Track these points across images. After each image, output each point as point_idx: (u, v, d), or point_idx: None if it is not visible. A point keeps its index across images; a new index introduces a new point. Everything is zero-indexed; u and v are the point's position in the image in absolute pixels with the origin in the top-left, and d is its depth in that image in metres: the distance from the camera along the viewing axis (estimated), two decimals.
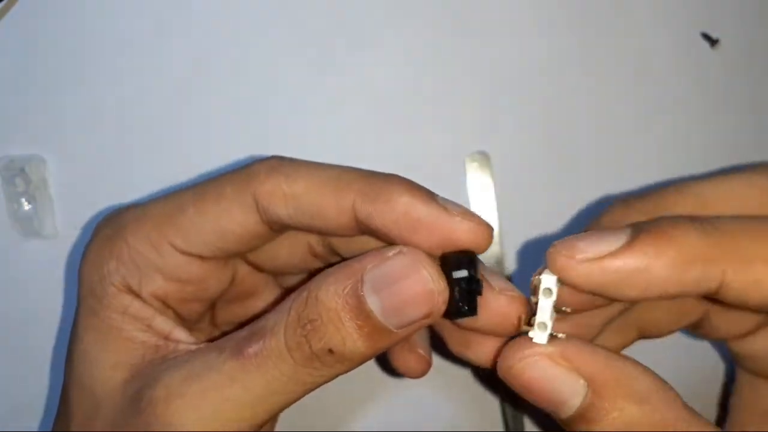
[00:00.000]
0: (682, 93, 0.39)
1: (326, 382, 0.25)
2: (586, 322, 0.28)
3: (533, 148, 0.39)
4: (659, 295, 0.23)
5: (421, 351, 0.30)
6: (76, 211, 0.37)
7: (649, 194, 0.26)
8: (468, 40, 0.38)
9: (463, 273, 0.24)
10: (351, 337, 0.24)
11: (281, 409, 0.25)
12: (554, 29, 0.39)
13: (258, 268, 0.30)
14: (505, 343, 0.24)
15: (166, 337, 0.27)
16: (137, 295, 0.27)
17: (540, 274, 0.23)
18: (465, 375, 0.38)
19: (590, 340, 0.29)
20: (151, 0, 0.37)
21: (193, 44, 0.38)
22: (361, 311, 0.23)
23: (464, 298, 0.24)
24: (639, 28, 0.39)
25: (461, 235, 0.24)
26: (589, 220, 0.29)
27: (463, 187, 0.38)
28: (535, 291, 0.24)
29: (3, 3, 0.37)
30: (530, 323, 0.24)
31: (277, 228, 0.27)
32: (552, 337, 0.23)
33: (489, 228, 0.25)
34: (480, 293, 0.24)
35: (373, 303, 0.23)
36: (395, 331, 0.24)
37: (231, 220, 0.26)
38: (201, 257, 0.27)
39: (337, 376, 0.25)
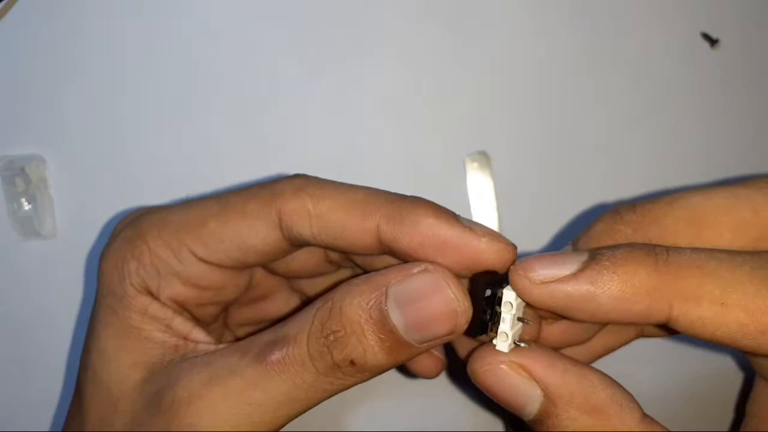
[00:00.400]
0: (682, 93, 0.39)
1: (344, 390, 0.25)
2: (580, 324, 0.29)
3: (533, 148, 0.39)
4: (607, 321, 0.24)
5: (436, 353, 0.31)
6: (76, 211, 0.37)
7: (641, 205, 0.26)
8: (468, 41, 0.38)
9: (488, 293, 0.25)
10: (372, 350, 0.24)
11: (298, 415, 0.25)
12: (554, 30, 0.39)
13: (273, 272, 0.30)
14: (474, 350, 0.25)
15: (186, 337, 0.27)
16: (156, 297, 0.27)
17: (503, 287, 0.25)
18: (465, 375, 0.38)
19: (587, 339, 0.29)
20: (152, 0, 0.37)
21: (193, 44, 0.38)
22: (384, 325, 0.24)
23: (490, 316, 0.25)
24: (639, 28, 0.39)
25: (488, 256, 0.25)
26: (588, 221, 0.29)
27: (463, 187, 0.38)
28: (498, 302, 0.25)
29: (3, 3, 0.37)
30: (495, 332, 0.25)
31: (297, 244, 0.27)
32: (516, 346, 0.24)
33: (513, 248, 0.25)
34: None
35: (396, 318, 0.24)
36: (416, 345, 0.24)
37: (253, 235, 0.27)
38: (221, 266, 0.27)
39: (355, 384, 0.25)
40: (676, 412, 0.38)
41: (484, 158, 0.38)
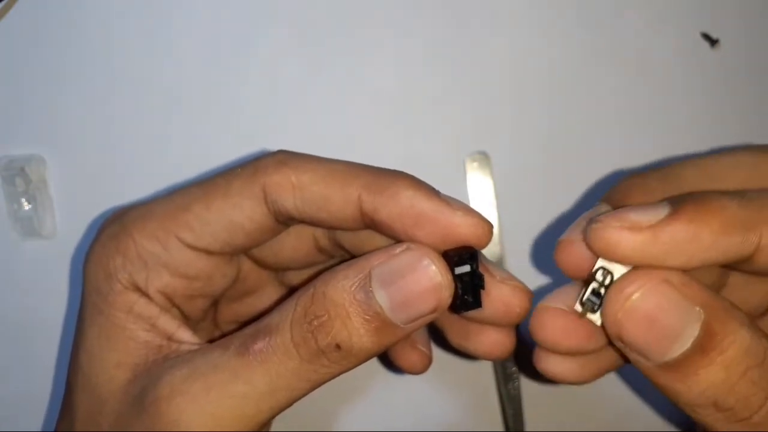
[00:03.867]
0: (682, 93, 0.39)
1: (330, 379, 0.25)
2: None
3: (533, 148, 0.39)
4: (702, 263, 0.23)
5: (421, 347, 0.30)
6: (76, 211, 0.37)
7: (660, 168, 0.27)
8: (468, 40, 0.38)
9: (465, 268, 0.25)
10: (358, 333, 0.24)
11: (284, 407, 0.25)
12: (554, 29, 0.39)
13: (262, 263, 0.30)
14: (626, 274, 0.24)
15: (170, 338, 0.27)
16: (143, 293, 0.27)
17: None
18: (465, 375, 0.38)
19: (594, 350, 0.28)
20: (152, 0, 0.37)
21: (193, 44, 0.38)
22: (369, 306, 0.24)
23: (469, 291, 0.25)
24: (639, 28, 0.39)
25: (463, 230, 0.25)
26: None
27: (463, 187, 0.38)
28: (589, 279, 0.24)
29: (3, 3, 0.37)
30: (583, 305, 0.24)
31: (283, 220, 0.27)
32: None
33: (489, 224, 0.25)
34: (483, 287, 0.25)
35: (381, 298, 0.24)
36: (402, 326, 0.24)
37: (239, 213, 0.27)
38: (208, 252, 0.27)
39: (341, 373, 0.25)
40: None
41: (484, 158, 0.38)
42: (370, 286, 0.24)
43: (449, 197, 0.26)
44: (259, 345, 0.24)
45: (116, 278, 0.27)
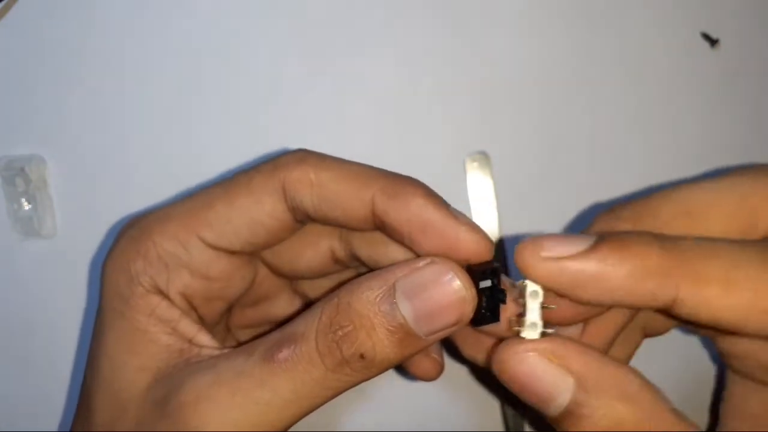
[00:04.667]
0: (682, 93, 0.39)
1: (352, 387, 0.25)
2: (598, 333, 0.29)
3: (533, 148, 0.39)
4: (613, 303, 0.24)
5: (434, 355, 0.31)
6: (76, 211, 0.37)
7: (634, 202, 0.27)
8: (468, 40, 0.38)
9: (487, 282, 0.25)
10: (382, 343, 0.24)
11: (306, 414, 0.25)
12: (554, 29, 0.39)
13: (278, 271, 0.30)
14: (498, 342, 0.25)
15: (190, 341, 0.27)
16: (164, 295, 0.27)
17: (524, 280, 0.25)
18: (465, 375, 0.38)
19: (604, 352, 0.29)
20: (152, 0, 0.37)
21: (193, 44, 0.38)
22: (393, 318, 0.24)
23: (488, 305, 0.25)
24: (639, 28, 0.39)
25: (464, 244, 0.25)
26: (588, 221, 0.30)
27: (463, 187, 0.38)
28: (521, 294, 0.25)
29: (3, 3, 0.37)
30: (520, 324, 0.25)
31: (300, 218, 0.28)
32: (543, 334, 0.24)
33: (490, 243, 0.26)
34: (504, 302, 0.26)
35: (405, 310, 0.24)
36: (424, 337, 0.25)
37: (260, 209, 0.27)
38: (228, 251, 0.28)
39: (362, 381, 0.25)
40: None
41: (484, 158, 0.38)
42: (395, 299, 0.24)
43: (457, 211, 0.26)
44: (285, 353, 0.24)
45: (137, 281, 0.27)
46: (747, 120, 0.40)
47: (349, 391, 0.25)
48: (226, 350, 0.26)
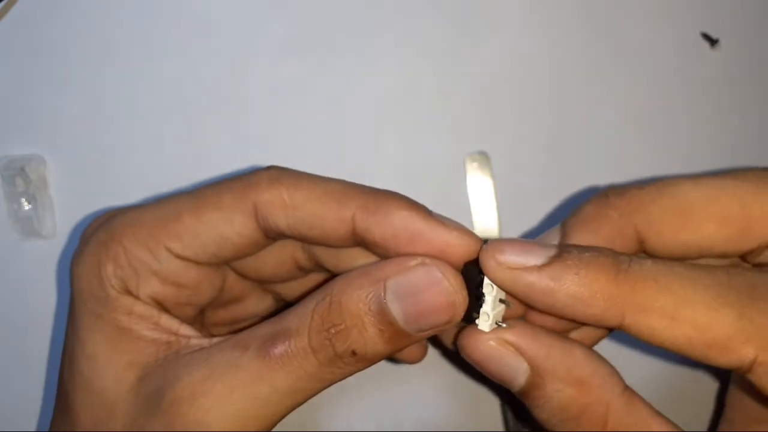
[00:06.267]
0: (682, 93, 0.39)
1: (342, 379, 0.26)
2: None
3: (533, 148, 0.39)
4: (561, 317, 0.25)
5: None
6: (76, 211, 0.37)
7: (630, 190, 0.27)
8: (468, 40, 0.38)
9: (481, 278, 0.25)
10: (373, 341, 0.25)
11: (300, 405, 0.26)
12: (554, 29, 0.39)
13: (245, 276, 0.31)
14: (463, 328, 0.26)
15: (176, 333, 0.27)
16: (137, 297, 0.27)
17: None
18: (465, 375, 0.38)
19: (570, 330, 0.29)
20: (152, 0, 0.37)
21: (193, 44, 0.38)
22: (384, 317, 0.25)
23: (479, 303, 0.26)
24: (639, 28, 0.39)
25: (456, 249, 0.26)
26: (580, 203, 0.30)
27: (463, 187, 0.38)
28: (480, 285, 0.25)
29: (3, 3, 0.37)
30: (478, 313, 0.26)
31: (273, 236, 0.28)
32: (497, 326, 0.25)
33: (481, 243, 0.26)
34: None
35: (395, 310, 0.25)
36: (414, 334, 0.25)
37: (229, 227, 0.27)
38: (196, 262, 0.28)
39: (353, 373, 0.26)
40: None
41: (484, 158, 0.38)
42: (385, 298, 0.24)
43: (442, 217, 0.26)
44: (280, 348, 0.25)
45: (110, 284, 0.27)
46: (747, 120, 0.40)
47: (348, 390, 0.25)
48: (216, 340, 0.26)
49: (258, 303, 0.32)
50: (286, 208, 0.26)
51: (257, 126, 0.38)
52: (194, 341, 0.26)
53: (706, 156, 0.39)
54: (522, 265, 0.24)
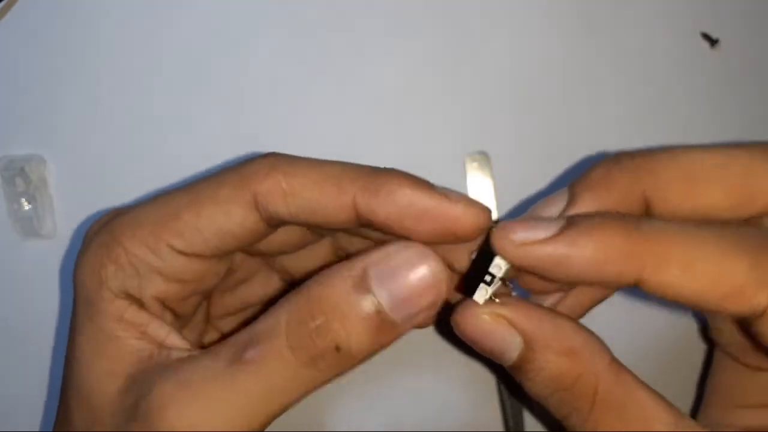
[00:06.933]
0: (682, 93, 0.39)
1: (327, 382, 0.25)
2: (576, 301, 0.30)
3: (533, 148, 0.39)
4: (580, 283, 0.25)
5: None
6: (76, 211, 0.37)
7: (640, 155, 0.27)
8: (468, 40, 0.38)
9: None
10: (357, 333, 0.24)
11: (280, 413, 0.25)
12: (554, 29, 0.39)
13: (252, 253, 0.30)
14: (458, 303, 0.26)
15: (161, 344, 0.26)
16: (135, 300, 0.27)
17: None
18: (466, 375, 0.38)
19: (563, 296, 0.30)
20: (152, 1, 0.37)
21: (193, 44, 0.38)
22: (369, 305, 0.24)
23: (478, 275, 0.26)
24: (639, 28, 0.39)
25: (464, 221, 0.25)
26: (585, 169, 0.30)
27: (463, 187, 0.38)
28: (487, 264, 0.26)
29: (3, 3, 0.37)
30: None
31: (275, 224, 0.27)
32: (491, 301, 0.26)
33: (489, 212, 0.26)
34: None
35: (380, 296, 0.24)
36: (400, 324, 0.25)
37: (230, 220, 0.26)
38: (200, 256, 0.27)
39: (338, 375, 0.25)
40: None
41: (484, 158, 0.38)
42: (369, 285, 0.24)
43: (445, 189, 0.26)
44: (252, 353, 0.24)
45: (107, 287, 0.26)
46: (747, 120, 0.40)
47: (348, 389, 0.25)
48: (195, 352, 0.26)
49: (265, 284, 0.32)
50: (285, 196, 0.26)
51: (257, 126, 0.38)
52: (175, 353, 0.26)
53: None
54: (536, 239, 0.24)
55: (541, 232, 0.24)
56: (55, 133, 0.37)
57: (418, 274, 0.24)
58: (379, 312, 0.24)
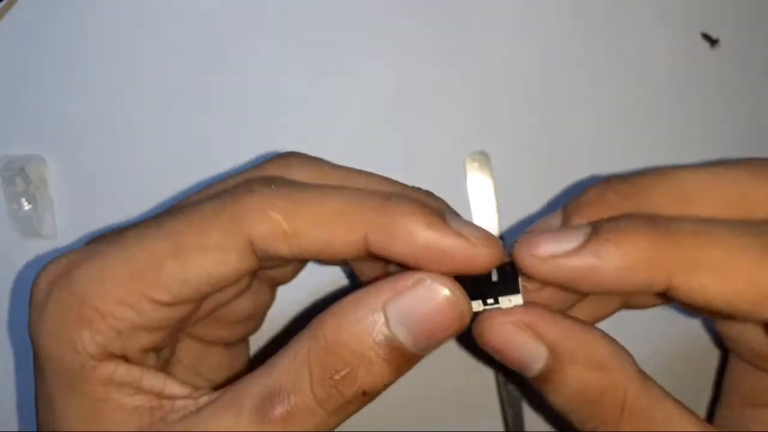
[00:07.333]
0: (682, 93, 0.39)
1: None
2: (593, 308, 0.29)
3: (533, 148, 0.39)
4: (611, 292, 0.25)
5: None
6: (76, 211, 0.37)
7: (631, 177, 0.27)
8: (468, 40, 0.38)
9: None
10: (382, 375, 0.23)
11: None
12: (554, 29, 0.39)
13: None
14: (478, 313, 0.25)
15: (159, 395, 0.24)
16: (120, 357, 0.25)
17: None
18: (466, 375, 0.38)
19: (569, 307, 0.29)
20: (152, 1, 0.37)
21: (194, 45, 0.38)
22: (391, 347, 0.23)
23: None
24: (639, 28, 0.39)
25: (481, 260, 0.24)
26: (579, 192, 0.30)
27: (463, 187, 0.38)
28: (513, 280, 0.25)
29: (3, 3, 0.37)
30: (490, 302, 0.25)
31: (276, 263, 0.26)
32: (517, 306, 0.25)
33: (501, 249, 0.25)
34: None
35: (402, 336, 0.23)
36: (422, 354, 0.24)
37: (222, 267, 0.24)
38: (188, 302, 0.25)
39: (361, 408, 0.24)
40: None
41: (484, 158, 0.38)
42: (389, 326, 0.23)
43: (461, 222, 0.25)
44: (280, 410, 0.23)
45: (87, 353, 0.24)
46: (747, 120, 0.40)
47: None
48: (203, 400, 0.24)
49: (236, 288, 0.29)
50: (287, 238, 0.24)
51: (258, 127, 0.38)
52: (180, 403, 0.24)
53: (706, 156, 0.39)
54: (561, 252, 0.23)
55: (566, 244, 0.24)
56: (55, 133, 0.37)
57: (440, 309, 0.24)
58: (402, 350, 0.23)
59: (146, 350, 0.25)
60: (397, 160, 0.38)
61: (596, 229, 0.24)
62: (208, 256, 0.24)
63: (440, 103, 0.38)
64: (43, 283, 0.25)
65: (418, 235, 0.24)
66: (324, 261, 0.26)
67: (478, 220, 0.38)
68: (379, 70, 0.38)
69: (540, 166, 0.39)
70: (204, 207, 0.25)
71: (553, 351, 0.24)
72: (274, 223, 0.24)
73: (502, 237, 0.38)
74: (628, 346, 0.25)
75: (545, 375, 0.25)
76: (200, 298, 0.25)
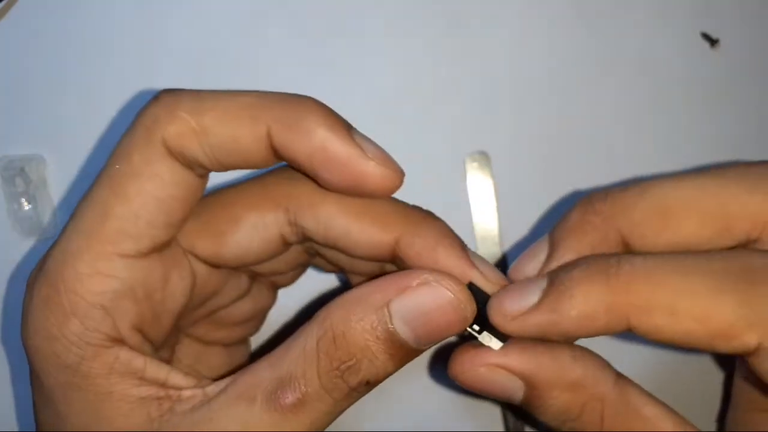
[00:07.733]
0: (682, 93, 0.39)
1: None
2: None
3: (533, 148, 0.39)
4: (576, 339, 0.25)
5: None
6: None
7: (612, 194, 0.27)
8: (468, 40, 0.38)
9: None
10: (384, 366, 0.24)
11: None
12: (554, 29, 0.39)
13: (217, 265, 0.28)
14: (455, 350, 0.26)
15: (164, 385, 0.24)
16: (117, 341, 0.24)
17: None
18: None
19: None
20: (152, 1, 0.37)
21: (193, 44, 0.38)
22: (393, 343, 0.24)
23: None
24: (639, 28, 0.39)
25: (373, 179, 0.25)
26: (568, 207, 0.30)
27: (463, 187, 0.38)
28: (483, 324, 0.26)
29: (3, 3, 0.37)
30: (476, 329, 0.26)
31: (201, 173, 0.25)
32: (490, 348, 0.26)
33: (400, 175, 0.25)
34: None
35: (405, 334, 0.24)
36: (424, 348, 0.25)
37: (161, 184, 0.24)
38: (154, 249, 0.25)
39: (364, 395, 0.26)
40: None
41: (484, 158, 0.38)
42: (392, 324, 0.24)
43: (364, 139, 0.25)
44: (292, 398, 0.24)
45: (81, 344, 0.24)
46: (747, 120, 0.40)
47: None
48: (210, 389, 0.24)
49: (234, 290, 0.30)
50: (197, 135, 0.24)
51: None
52: (187, 393, 0.24)
53: (706, 156, 0.39)
54: (523, 309, 0.24)
55: (527, 300, 0.25)
56: (55, 133, 0.37)
57: (443, 311, 0.24)
58: (404, 346, 0.24)
59: (138, 329, 0.25)
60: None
61: (552, 282, 0.25)
62: (140, 180, 0.24)
63: (440, 103, 0.38)
64: (27, 287, 0.26)
65: (316, 132, 0.24)
66: (235, 167, 0.25)
67: (478, 220, 0.38)
68: (379, 70, 0.38)
69: (540, 166, 0.39)
70: (121, 140, 0.25)
71: (528, 383, 0.25)
72: (182, 122, 0.24)
73: (504, 256, 0.38)
74: (636, 352, 0.26)
75: (528, 401, 0.26)
76: (160, 232, 0.25)
